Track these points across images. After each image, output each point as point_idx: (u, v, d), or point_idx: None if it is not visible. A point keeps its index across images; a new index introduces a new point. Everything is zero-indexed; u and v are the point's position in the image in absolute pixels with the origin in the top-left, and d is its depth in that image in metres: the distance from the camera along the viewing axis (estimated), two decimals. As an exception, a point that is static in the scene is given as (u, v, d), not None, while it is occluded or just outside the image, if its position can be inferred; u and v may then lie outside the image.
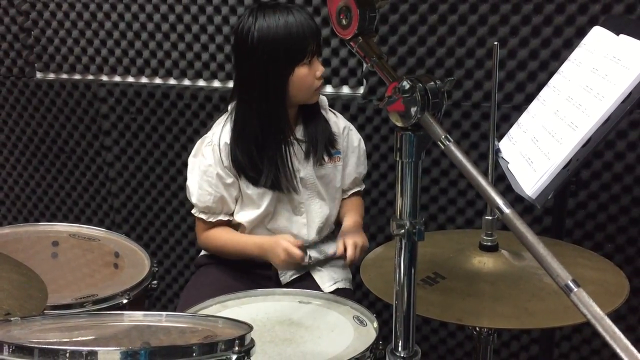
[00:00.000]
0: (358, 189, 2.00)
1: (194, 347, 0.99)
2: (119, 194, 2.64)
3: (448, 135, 0.85)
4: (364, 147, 1.98)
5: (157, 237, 2.64)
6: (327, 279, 1.89)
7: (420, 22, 2.11)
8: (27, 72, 2.66)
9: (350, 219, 1.92)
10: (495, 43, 1.23)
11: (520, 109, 1.81)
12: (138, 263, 1.86)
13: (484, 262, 1.32)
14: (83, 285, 1.74)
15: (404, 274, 0.95)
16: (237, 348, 1.04)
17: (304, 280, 1.89)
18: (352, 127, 1.96)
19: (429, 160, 2.22)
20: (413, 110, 0.88)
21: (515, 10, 2.02)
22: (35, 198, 2.79)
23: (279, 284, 1.86)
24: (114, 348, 0.95)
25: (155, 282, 1.82)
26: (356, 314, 1.58)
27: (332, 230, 1.96)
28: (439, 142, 0.85)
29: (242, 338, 1.06)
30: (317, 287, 1.84)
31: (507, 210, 0.79)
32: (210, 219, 1.86)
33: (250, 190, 1.81)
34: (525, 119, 1.68)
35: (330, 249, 1.89)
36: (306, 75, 1.74)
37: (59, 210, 2.76)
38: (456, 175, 2.20)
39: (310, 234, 1.89)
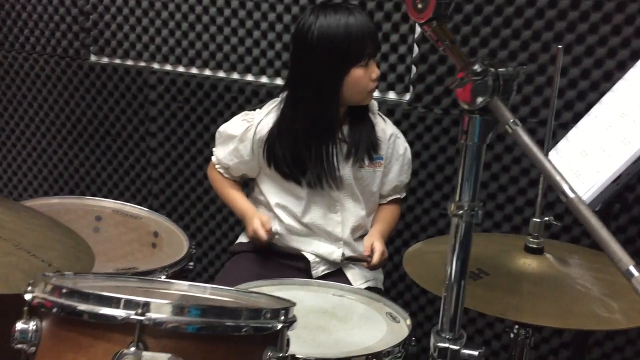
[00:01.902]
0: (398, 196, 2.00)
1: (243, 311, 1.01)
2: (159, 180, 2.68)
3: (516, 120, 0.86)
4: (410, 156, 1.97)
5: (192, 226, 2.66)
6: (359, 277, 1.90)
7: (484, 24, 2.11)
8: (82, 54, 2.73)
9: (380, 226, 1.93)
10: (559, 46, 1.23)
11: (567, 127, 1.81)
12: (176, 244, 1.89)
13: (529, 263, 1.32)
14: (122, 261, 1.76)
15: (457, 255, 0.96)
16: (282, 317, 1.05)
17: (336, 276, 1.90)
18: (399, 134, 1.96)
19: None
20: (483, 93, 0.89)
21: (584, 17, 1.99)
22: (77, 177, 2.85)
23: (310, 277, 1.87)
24: (166, 301, 0.96)
25: (192, 263, 1.84)
26: (389, 311, 1.58)
27: (367, 232, 1.97)
28: (507, 126, 0.86)
29: (287, 309, 1.08)
30: (347, 284, 1.85)
31: (571, 194, 0.80)
32: (226, 176, 1.98)
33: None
34: (574, 133, 1.68)
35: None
36: (361, 76, 1.76)
37: (99, 192, 2.81)
38: (506, 181, 2.18)
39: (345, 232, 1.90)
